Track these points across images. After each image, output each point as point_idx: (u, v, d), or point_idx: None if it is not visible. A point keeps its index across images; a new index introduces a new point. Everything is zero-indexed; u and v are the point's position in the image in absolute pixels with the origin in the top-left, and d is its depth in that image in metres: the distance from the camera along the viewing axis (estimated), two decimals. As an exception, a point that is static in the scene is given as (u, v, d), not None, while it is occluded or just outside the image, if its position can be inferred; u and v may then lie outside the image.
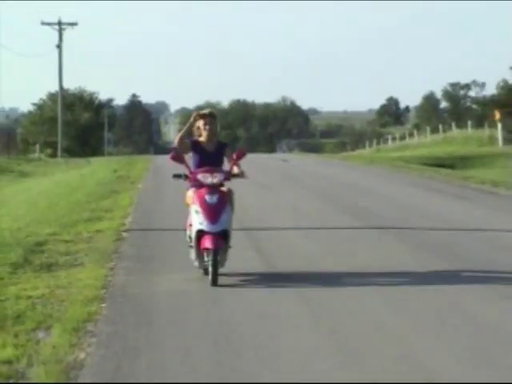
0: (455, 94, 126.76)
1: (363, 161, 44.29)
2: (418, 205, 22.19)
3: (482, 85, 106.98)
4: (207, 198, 10.80)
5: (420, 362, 7.81)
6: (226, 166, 11.76)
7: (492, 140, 59.20)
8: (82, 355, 7.81)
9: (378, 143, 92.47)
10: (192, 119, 11.77)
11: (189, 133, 11.79)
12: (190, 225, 11.26)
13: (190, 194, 11.38)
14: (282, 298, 10.56)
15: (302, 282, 11.66)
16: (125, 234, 16.42)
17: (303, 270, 12.55)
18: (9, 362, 7.54)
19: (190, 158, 11.64)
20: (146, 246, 15.17)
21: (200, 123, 11.56)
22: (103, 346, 8.20)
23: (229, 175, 11.43)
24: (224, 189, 11.23)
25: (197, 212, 10.82)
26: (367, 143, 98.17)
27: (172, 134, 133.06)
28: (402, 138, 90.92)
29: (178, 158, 11.37)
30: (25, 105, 79.47)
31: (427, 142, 76.36)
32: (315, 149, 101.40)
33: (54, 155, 69.95)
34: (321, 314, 9.81)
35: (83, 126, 79.96)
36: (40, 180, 39.20)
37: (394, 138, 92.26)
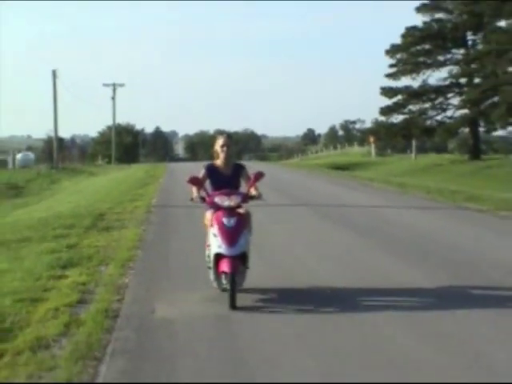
0: (347, 126, 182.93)
1: (294, 166, 62.11)
2: (324, 190, 30.18)
3: (363, 121, 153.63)
4: (225, 220, 9.96)
5: None
6: (244, 187, 10.95)
7: (369, 153, 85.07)
8: (127, 280, 11.60)
9: (303, 155, 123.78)
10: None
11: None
12: (209, 245, 10.43)
13: (209, 215, 10.60)
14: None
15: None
16: (152, 209, 22.86)
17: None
18: (83, 283, 11.27)
19: (207, 181, 10.82)
20: (164, 215, 21.40)
21: (217, 146, 10.82)
22: (139, 275, 12.07)
23: (246, 197, 10.53)
24: (241, 210, 10.39)
25: (215, 235, 9.96)
26: (296, 156, 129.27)
27: (180, 151, 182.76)
28: (316, 152, 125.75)
29: (196, 182, 10.47)
30: (92, 132, 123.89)
31: (331, 155, 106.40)
32: (264, 159, 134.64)
33: (109, 162, 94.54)
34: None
35: (126, 145, 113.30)
36: (101, 177, 53.43)
37: (311, 152, 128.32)
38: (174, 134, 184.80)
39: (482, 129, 63.09)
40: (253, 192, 10.56)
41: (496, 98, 55.61)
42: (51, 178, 55.73)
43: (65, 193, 39.98)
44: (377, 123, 71.24)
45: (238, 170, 10.82)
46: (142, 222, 19.32)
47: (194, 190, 10.43)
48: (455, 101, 64.01)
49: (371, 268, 12.32)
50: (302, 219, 19.63)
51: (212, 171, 10.74)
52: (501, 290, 10.68)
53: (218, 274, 10.06)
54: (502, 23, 57.08)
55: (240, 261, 9.99)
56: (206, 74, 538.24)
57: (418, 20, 64.46)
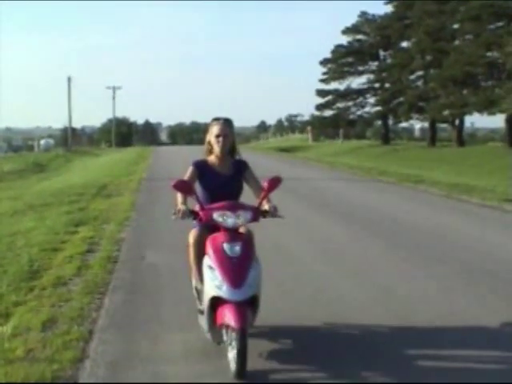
0: (291, 118, 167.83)
1: (250, 149, 54.20)
2: (271, 167, 26.80)
3: (303, 115, 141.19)
4: (227, 248, 5.27)
5: None
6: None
7: (307, 139, 78.32)
8: (124, 235, 11.45)
9: (257, 141, 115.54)
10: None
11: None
12: (198, 278, 5.71)
13: (195, 234, 5.82)
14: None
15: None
16: (142, 181, 22.51)
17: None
18: (91, 237, 11.12)
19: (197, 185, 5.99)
20: (152, 186, 20.71)
21: (211, 136, 6.02)
22: (133, 230, 11.95)
23: (258, 214, 5.64)
24: (242, 230, 5.65)
25: (211, 268, 5.24)
26: (252, 141, 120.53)
27: (164, 137, 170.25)
28: (267, 138, 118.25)
29: (184, 187, 5.58)
30: (98, 123, 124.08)
31: (278, 140, 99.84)
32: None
33: (110, 146, 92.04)
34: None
35: (123, 133, 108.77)
36: (104, 157, 52.58)
37: (263, 139, 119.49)
38: (159, 124, 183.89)
39: (390, 121, 63.52)
40: (266, 206, 5.75)
41: (401, 99, 56.09)
42: (66, 158, 55.66)
43: (76, 169, 39.81)
44: (313, 117, 71.42)
45: (240, 169, 6.09)
46: (135, 191, 19.36)
47: (180, 199, 5.68)
48: (371, 100, 64.48)
49: (301, 219, 12.52)
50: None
51: (203, 170, 5.97)
52: (385, 234, 10.99)
53: (215, 324, 5.28)
54: (404, 44, 57.69)
55: (250, 309, 5.26)
56: (189, 76, 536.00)
57: (344, 40, 64.83)
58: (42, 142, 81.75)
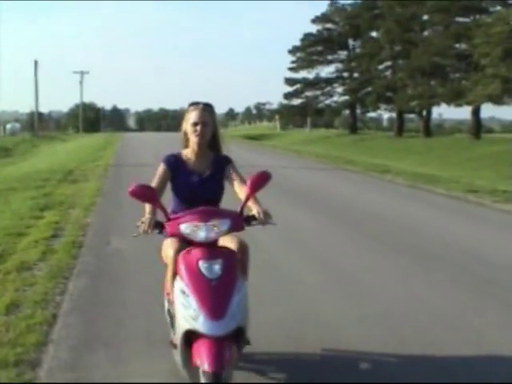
0: (259, 106, 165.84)
1: None
2: (242, 155, 26.51)
3: (272, 103, 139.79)
4: (203, 267, 3.99)
5: None
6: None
7: (275, 128, 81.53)
8: (89, 220, 11.48)
9: (225, 128, 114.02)
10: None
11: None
12: (168, 294, 4.54)
13: (169, 247, 4.50)
14: None
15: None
16: (109, 167, 22.44)
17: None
18: (56, 222, 11.09)
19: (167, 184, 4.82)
20: (118, 172, 20.69)
21: (187, 124, 4.79)
22: (98, 216, 11.98)
23: (239, 221, 4.34)
24: (231, 243, 4.46)
25: (184, 294, 3.97)
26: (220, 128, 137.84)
27: (132, 123, 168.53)
28: (235, 126, 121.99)
29: (145, 194, 4.23)
30: (65, 108, 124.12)
31: (246, 128, 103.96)
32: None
33: (77, 132, 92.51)
34: None
35: (90, 118, 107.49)
36: (71, 143, 52.01)
37: (231, 126, 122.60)
38: (127, 110, 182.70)
39: (358, 111, 63.87)
40: (253, 209, 4.45)
41: (369, 88, 56.41)
42: (33, 143, 55.32)
43: (43, 154, 39.61)
44: (281, 105, 71.70)
45: (221, 167, 4.84)
46: (101, 176, 19.36)
47: (148, 207, 4.39)
48: (340, 89, 64.69)
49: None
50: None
51: (177, 168, 4.76)
52: (348, 222, 11.12)
53: (191, 362, 3.97)
54: (374, 33, 57.83)
55: (232, 342, 3.96)
56: (157, 62, 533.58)
57: (313, 28, 65.01)
58: (9, 126, 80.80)
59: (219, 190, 4.87)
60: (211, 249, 4.13)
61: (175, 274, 4.24)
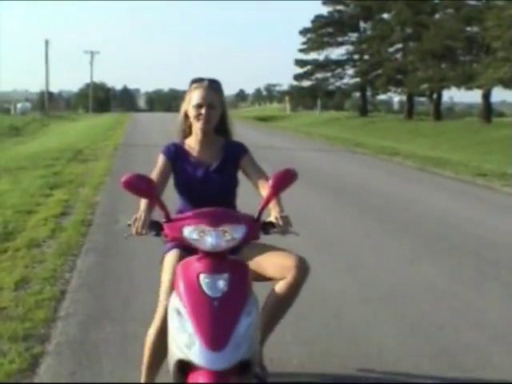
0: (269, 88, 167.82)
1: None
2: (251, 137, 26.29)
3: (282, 85, 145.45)
4: (205, 282, 3.06)
5: None
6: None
7: (285, 109, 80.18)
8: (98, 198, 11.58)
9: (235, 109, 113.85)
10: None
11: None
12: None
13: (176, 256, 3.84)
14: None
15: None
16: (118, 147, 22.57)
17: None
18: (66, 200, 11.16)
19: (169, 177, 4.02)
20: (128, 151, 20.82)
21: (189, 106, 3.87)
22: (107, 195, 11.91)
23: (256, 228, 3.34)
24: (288, 261, 3.76)
25: (179, 314, 3.03)
26: (230, 109, 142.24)
27: (142, 104, 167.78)
28: (246, 107, 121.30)
29: (140, 187, 3.44)
30: (75, 88, 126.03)
31: (256, 109, 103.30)
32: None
33: (87, 112, 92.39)
34: None
35: (100, 98, 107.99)
36: (81, 122, 52.56)
37: (242, 107, 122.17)
38: (137, 90, 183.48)
39: (368, 93, 63.72)
40: (273, 216, 3.50)
41: (380, 71, 56.23)
42: (43, 123, 55.58)
43: (53, 134, 39.77)
44: (291, 86, 71.73)
45: (234, 156, 3.96)
46: (111, 156, 19.45)
47: (143, 205, 3.58)
48: (350, 71, 64.53)
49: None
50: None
51: (178, 159, 3.94)
52: (357, 204, 11.13)
53: None
54: (385, 15, 57.55)
55: (236, 375, 2.99)
56: (168, 43, 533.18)
57: (324, 10, 64.78)
58: (19, 105, 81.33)
59: (231, 185, 3.97)
60: (217, 260, 3.16)
61: (172, 288, 3.41)
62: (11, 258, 7.28)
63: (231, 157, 3.93)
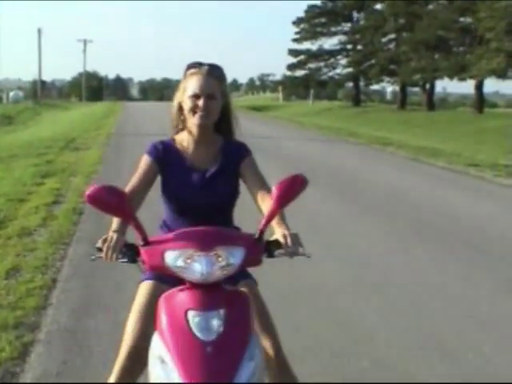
0: (263, 77, 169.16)
1: None
2: (244, 126, 29.16)
3: (275, 74, 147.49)
4: (194, 322, 2.31)
5: None
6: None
7: (278, 99, 79.86)
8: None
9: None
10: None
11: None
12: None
13: (150, 290, 3.12)
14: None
15: None
16: (111, 136, 22.54)
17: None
18: (57, 189, 11.11)
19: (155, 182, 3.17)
20: (120, 141, 20.75)
21: (184, 96, 3.02)
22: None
23: (259, 251, 2.57)
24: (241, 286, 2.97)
25: (163, 363, 2.29)
26: None
27: (135, 93, 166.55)
28: (239, 97, 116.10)
29: (108, 202, 2.50)
30: (68, 77, 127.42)
31: (249, 99, 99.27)
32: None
33: (80, 100, 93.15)
34: None
35: (93, 87, 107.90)
36: (73, 111, 52.26)
37: (235, 97, 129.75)
38: (130, 79, 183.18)
39: (362, 83, 63.71)
40: (277, 233, 2.70)
41: (373, 61, 56.22)
42: (35, 111, 55.44)
43: (45, 122, 39.69)
44: (285, 76, 71.50)
45: (234, 160, 3.13)
46: (103, 145, 19.50)
47: (115, 223, 2.74)
48: (343, 61, 64.51)
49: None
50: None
51: (167, 162, 3.08)
52: (347, 193, 11.13)
53: None
54: (378, 6, 57.49)
55: None
56: (161, 32, 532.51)
57: (318, 0, 64.68)
58: (12, 93, 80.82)
59: (231, 196, 3.19)
60: (209, 293, 2.46)
61: (153, 329, 2.58)
62: (2, 247, 7.28)
63: (232, 161, 3.14)
